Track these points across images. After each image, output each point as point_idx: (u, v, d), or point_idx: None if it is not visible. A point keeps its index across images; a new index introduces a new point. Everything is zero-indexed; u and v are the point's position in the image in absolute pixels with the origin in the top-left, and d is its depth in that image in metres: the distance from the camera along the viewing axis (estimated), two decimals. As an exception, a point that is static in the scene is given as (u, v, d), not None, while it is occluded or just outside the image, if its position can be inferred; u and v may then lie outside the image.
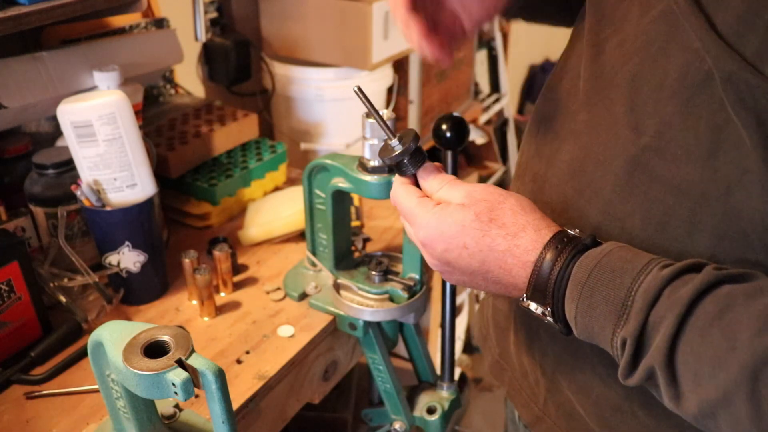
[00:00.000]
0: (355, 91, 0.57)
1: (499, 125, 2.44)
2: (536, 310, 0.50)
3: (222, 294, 0.93)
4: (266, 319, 0.88)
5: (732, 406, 0.39)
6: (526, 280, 0.49)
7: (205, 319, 0.88)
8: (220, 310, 0.89)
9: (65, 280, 0.86)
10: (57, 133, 1.02)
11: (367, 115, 0.75)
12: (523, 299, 0.51)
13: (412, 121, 1.63)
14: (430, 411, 0.90)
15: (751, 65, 0.41)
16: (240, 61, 1.38)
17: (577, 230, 0.50)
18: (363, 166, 0.78)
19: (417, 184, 0.58)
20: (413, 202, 0.55)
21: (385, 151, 0.58)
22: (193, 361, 0.54)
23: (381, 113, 0.75)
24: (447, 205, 0.53)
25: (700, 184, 0.45)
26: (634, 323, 0.43)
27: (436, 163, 0.58)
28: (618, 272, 0.45)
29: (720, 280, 0.42)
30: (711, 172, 0.44)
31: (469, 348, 2.19)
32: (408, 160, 0.57)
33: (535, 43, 3.01)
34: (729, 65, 0.42)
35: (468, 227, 0.51)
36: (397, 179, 0.59)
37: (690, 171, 0.45)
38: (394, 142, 0.57)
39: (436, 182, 0.56)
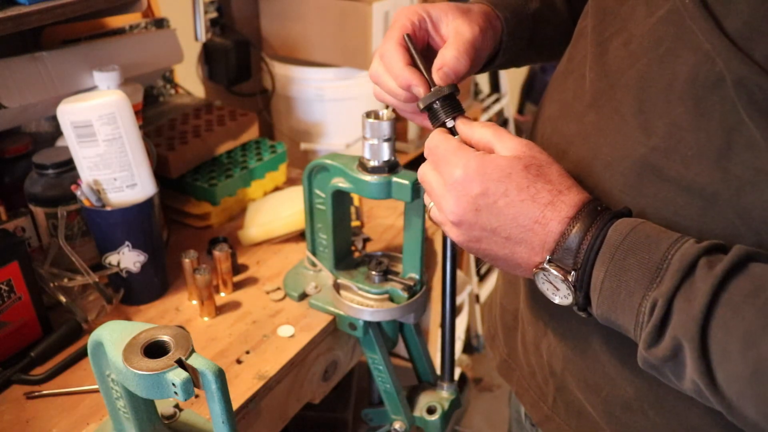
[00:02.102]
0: (405, 38, 0.58)
1: (499, 125, 2.44)
2: (555, 271, 0.49)
3: (222, 294, 0.93)
4: (266, 319, 0.88)
5: (759, 386, 0.39)
6: (557, 237, 0.48)
7: (205, 319, 0.88)
8: (220, 310, 0.89)
9: (65, 280, 0.86)
10: (57, 133, 1.02)
11: (367, 115, 0.75)
12: (541, 264, 0.50)
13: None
14: (430, 411, 0.90)
15: (762, 69, 0.41)
16: (240, 61, 1.38)
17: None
18: (363, 166, 0.78)
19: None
20: (452, 144, 0.54)
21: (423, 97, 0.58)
22: (193, 361, 0.54)
23: (381, 113, 0.76)
24: (491, 153, 0.52)
25: (710, 184, 0.45)
26: (669, 284, 0.42)
27: None
28: (654, 239, 0.45)
29: (751, 257, 0.42)
30: (722, 173, 0.44)
31: (469, 348, 2.19)
32: (448, 104, 0.57)
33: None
34: (740, 69, 0.42)
35: (514, 175, 0.49)
36: (434, 131, 0.58)
37: (700, 172, 0.45)
38: (435, 88, 0.58)
39: (478, 126, 0.55)
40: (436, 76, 0.57)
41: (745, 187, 0.43)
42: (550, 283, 0.50)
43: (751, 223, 0.44)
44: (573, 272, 0.48)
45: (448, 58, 0.57)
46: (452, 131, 0.57)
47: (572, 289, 0.49)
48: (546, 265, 0.49)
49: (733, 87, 0.42)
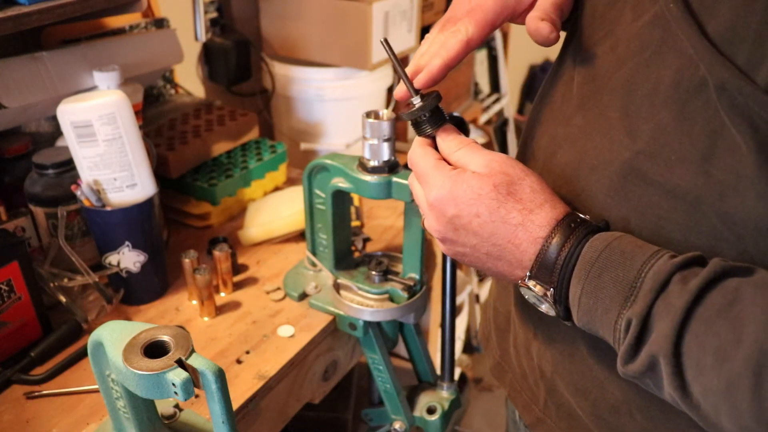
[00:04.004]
0: (381, 43, 0.57)
1: (499, 125, 2.44)
2: (535, 288, 0.50)
3: (222, 294, 0.93)
4: (266, 319, 0.88)
5: (734, 399, 0.39)
6: (533, 257, 0.49)
7: (205, 319, 0.88)
8: (220, 310, 0.89)
9: (65, 280, 0.86)
10: (57, 133, 1.02)
11: (367, 115, 0.75)
12: (524, 279, 0.51)
13: (412, 121, 1.62)
14: (430, 411, 0.90)
15: (743, 73, 0.41)
16: (240, 61, 1.38)
17: (587, 216, 0.50)
18: (363, 166, 0.78)
19: (436, 148, 0.57)
20: (430, 163, 0.55)
21: (406, 108, 0.58)
22: (193, 361, 0.54)
23: (381, 113, 0.76)
24: (464, 171, 0.52)
25: (694, 189, 0.45)
26: (642, 304, 0.43)
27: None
28: (628, 255, 0.45)
29: (727, 272, 0.42)
30: (705, 177, 0.44)
31: (469, 348, 2.19)
32: (427, 118, 0.57)
33: (534, 44, 3.00)
34: (722, 73, 0.42)
35: (484, 196, 0.50)
36: (416, 141, 0.59)
37: (684, 176, 0.45)
38: (416, 99, 0.57)
39: (455, 143, 0.55)
40: (536, 21, 0.53)
41: (728, 191, 0.43)
42: (533, 295, 0.51)
43: (734, 227, 0.44)
44: (551, 289, 0.49)
45: (545, 5, 0.54)
46: (435, 138, 0.58)
47: (552, 304, 0.50)
48: (526, 281, 0.50)
49: (715, 91, 0.42)
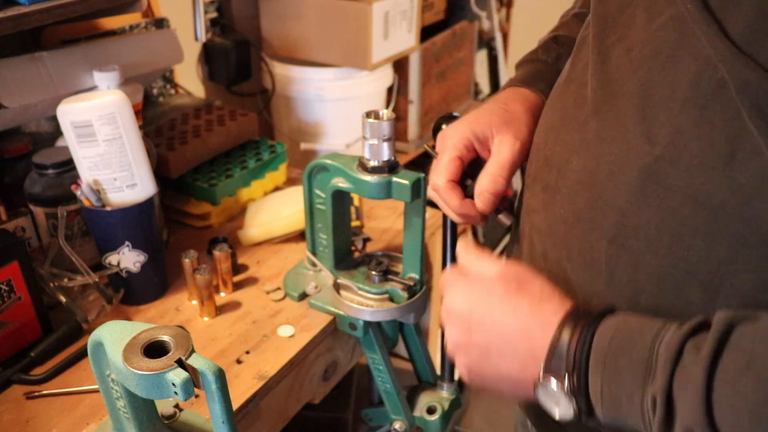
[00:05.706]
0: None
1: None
2: (550, 383, 0.48)
3: (222, 294, 0.93)
4: (266, 319, 0.88)
5: None
6: (546, 346, 0.49)
7: (205, 319, 0.88)
8: (220, 310, 0.89)
9: (65, 280, 0.86)
10: (57, 133, 1.02)
11: (367, 115, 0.75)
12: (538, 378, 0.49)
13: (412, 121, 1.63)
14: (430, 411, 0.90)
15: (766, 72, 0.40)
16: (240, 61, 1.38)
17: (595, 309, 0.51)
18: (363, 166, 0.78)
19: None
20: (452, 276, 0.59)
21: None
22: (193, 361, 0.54)
23: (381, 113, 0.76)
24: (479, 277, 0.56)
25: (716, 194, 0.44)
26: (662, 378, 0.43)
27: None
28: (638, 333, 0.45)
29: (732, 325, 0.42)
30: (728, 182, 0.43)
31: (469, 348, 2.19)
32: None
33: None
34: (744, 73, 0.41)
35: (495, 290, 0.53)
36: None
37: (705, 181, 0.44)
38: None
39: (472, 257, 0.59)
40: (479, 201, 0.65)
41: (751, 195, 0.43)
42: (549, 394, 0.49)
43: (759, 232, 0.43)
44: (567, 378, 0.48)
45: (485, 185, 0.65)
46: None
47: (571, 395, 0.48)
48: (541, 376, 0.49)
49: (736, 93, 0.42)
